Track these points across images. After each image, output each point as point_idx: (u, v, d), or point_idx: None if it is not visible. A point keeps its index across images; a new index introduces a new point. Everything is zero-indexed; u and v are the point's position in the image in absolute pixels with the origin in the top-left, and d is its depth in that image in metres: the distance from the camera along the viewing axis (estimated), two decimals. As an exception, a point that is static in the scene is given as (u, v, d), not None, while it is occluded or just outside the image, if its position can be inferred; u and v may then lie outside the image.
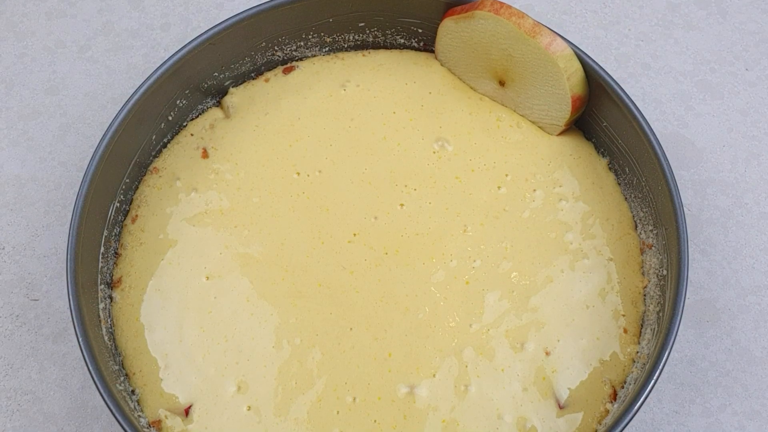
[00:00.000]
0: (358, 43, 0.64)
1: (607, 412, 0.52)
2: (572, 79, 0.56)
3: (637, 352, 0.53)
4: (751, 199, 0.64)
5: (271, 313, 0.54)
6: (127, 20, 0.72)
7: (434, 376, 0.52)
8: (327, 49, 0.64)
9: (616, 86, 0.56)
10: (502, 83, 0.60)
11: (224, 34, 0.58)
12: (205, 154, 0.60)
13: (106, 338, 0.53)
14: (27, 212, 0.64)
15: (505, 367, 0.53)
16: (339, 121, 0.60)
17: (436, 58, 0.63)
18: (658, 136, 0.54)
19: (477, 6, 0.56)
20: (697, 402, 0.58)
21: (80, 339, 0.49)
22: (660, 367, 0.48)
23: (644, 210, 0.57)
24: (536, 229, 0.57)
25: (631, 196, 0.58)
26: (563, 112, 0.58)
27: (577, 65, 0.56)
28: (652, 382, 0.48)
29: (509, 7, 0.55)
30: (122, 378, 0.52)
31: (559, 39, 0.55)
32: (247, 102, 0.62)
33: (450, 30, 0.59)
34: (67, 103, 0.69)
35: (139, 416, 0.51)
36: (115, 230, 0.57)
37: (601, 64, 0.58)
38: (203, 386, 0.52)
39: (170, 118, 0.60)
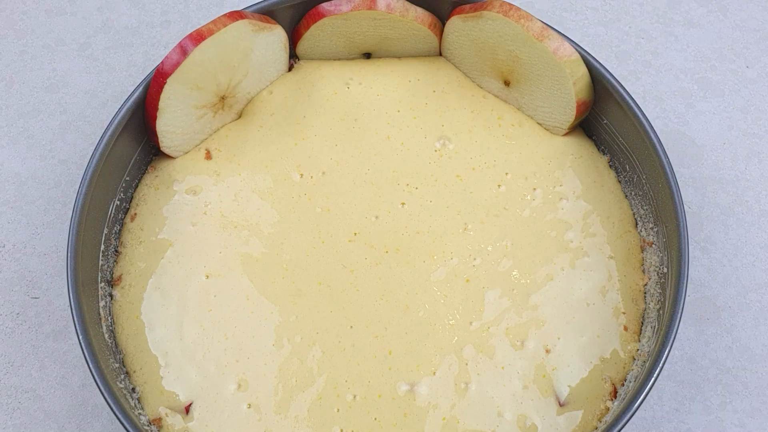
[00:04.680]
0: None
1: (608, 409, 0.52)
2: (578, 84, 0.56)
3: (638, 349, 0.53)
4: (751, 197, 0.64)
5: (271, 311, 0.54)
6: (127, 18, 0.72)
7: (434, 373, 0.53)
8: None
9: (617, 84, 0.56)
10: (507, 83, 0.60)
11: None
12: (208, 156, 0.59)
13: (106, 336, 0.53)
14: (27, 210, 0.64)
15: (506, 365, 0.53)
16: (343, 121, 0.60)
17: (441, 55, 0.63)
18: (658, 134, 0.54)
19: (485, 6, 0.56)
20: (697, 400, 0.58)
21: (80, 337, 0.49)
22: (660, 364, 0.48)
23: (645, 208, 0.57)
24: (537, 227, 0.57)
25: (631, 193, 0.58)
26: (567, 116, 0.58)
27: (584, 70, 0.56)
28: (653, 379, 0.48)
29: (518, 9, 0.55)
30: (123, 376, 0.52)
31: (566, 43, 0.55)
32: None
33: (457, 28, 0.59)
34: (67, 100, 0.69)
35: (140, 414, 0.51)
36: (115, 228, 0.57)
37: (602, 62, 0.58)
38: (204, 384, 0.52)
39: (170, 115, 0.60)
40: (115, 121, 0.55)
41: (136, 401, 0.52)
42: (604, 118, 0.59)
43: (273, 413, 0.52)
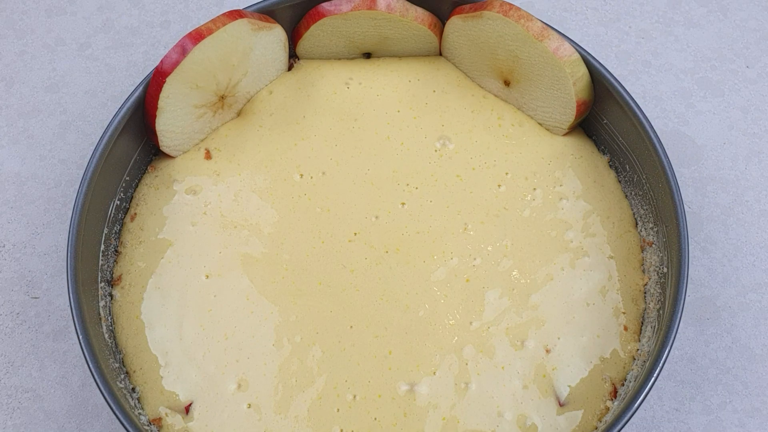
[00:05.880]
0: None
1: (608, 409, 0.52)
2: (578, 84, 0.56)
3: (638, 349, 0.53)
4: (751, 197, 0.64)
5: (271, 311, 0.54)
6: (127, 18, 0.72)
7: (434, 373, 0.53)
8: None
9: (617, 84, 0.56)
10: (507, 83, 0.60)
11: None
12: (208, 155, 0.59)
13: (106, 336, 0.53)
14: (27, 210, 0.64)
15: (506, 365, 0.53)
16: (343, 121, 0.60)
17: (441, 55, 0.63)
18: (658, 134, 0.54)
19: (485, 6, 0.56)
20: (697, 399, 0.58)
21: (80, 337, 0.49)
22: (660, 364, 0.48)
23: (645, 207, 0.57)
24: (537, 227, 0.57)
25: (631, 193, 0.58)
26: (567, 116, 0.58)
27: (584, 70, 0.56)
28: (653, 379, 0.48)
29: (518, 9, 0.55)
30: (122, 376, 0.52)
31: (566, 43, 0.55)
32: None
33: (457, 27, 0.59)
34: (67, 100, 0.69)
35: (140, 414, 0.51)
36: (115, 228, 0.57)
37: (602, 62, 0.58)
38: (203, 384, 0.52)
39: (170, 115, 0.60)
40: (115, 121, 0.55)
41: (136, 401, 0.52)
42: (604, 118, 0.59)
43: (273, 413, 0.52)
